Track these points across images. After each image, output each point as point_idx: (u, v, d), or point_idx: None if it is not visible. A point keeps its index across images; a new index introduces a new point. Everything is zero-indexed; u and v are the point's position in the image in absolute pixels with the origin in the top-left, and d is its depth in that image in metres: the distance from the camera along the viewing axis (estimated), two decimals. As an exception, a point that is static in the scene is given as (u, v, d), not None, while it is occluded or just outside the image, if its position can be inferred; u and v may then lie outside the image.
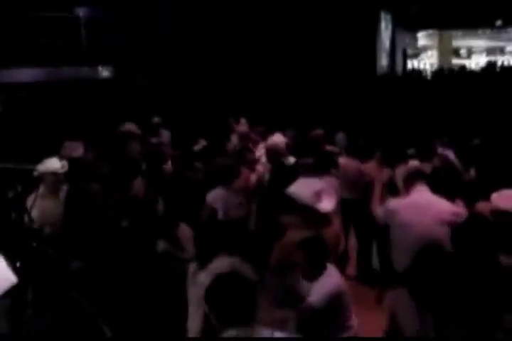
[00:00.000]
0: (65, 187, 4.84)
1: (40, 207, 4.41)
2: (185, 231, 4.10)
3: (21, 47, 10.27)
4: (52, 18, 11.05)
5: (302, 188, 3.72)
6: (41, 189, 4.66)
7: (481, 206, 3.93)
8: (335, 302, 3.03)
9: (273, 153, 5.64)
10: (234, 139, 7.39)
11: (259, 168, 5.69)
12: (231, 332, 2.18)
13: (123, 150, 6.41)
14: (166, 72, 12.24)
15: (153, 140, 7.26)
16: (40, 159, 4.80)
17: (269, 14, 12.93)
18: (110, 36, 11.71)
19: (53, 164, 4.71)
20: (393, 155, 5.51)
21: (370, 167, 5.58)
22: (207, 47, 12.83)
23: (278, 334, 2.25)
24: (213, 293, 2.28)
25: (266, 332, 2.23)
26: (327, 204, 3.64)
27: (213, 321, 2.27)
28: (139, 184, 5.16)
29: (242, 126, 7.86)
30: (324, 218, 3.65)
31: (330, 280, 3.08)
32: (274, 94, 11.61)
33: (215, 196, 4.82)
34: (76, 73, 11.20)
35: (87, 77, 11.46)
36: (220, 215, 4.76)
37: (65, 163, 4.80)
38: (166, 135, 7.80)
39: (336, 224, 3.98)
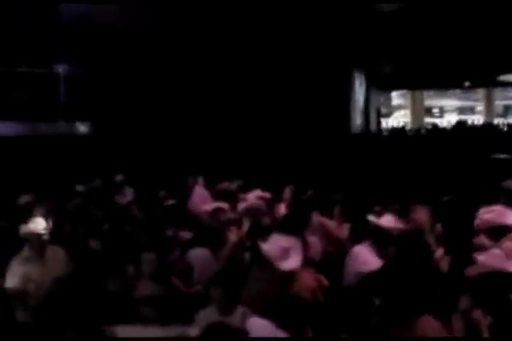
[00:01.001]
0: (51, 248, 4.64)
1: (23, 270, 4.33)
2: None
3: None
4: (30, 73, 11.24)
5: (269, 244, 3.73)
6: (25, 250, 4.52)
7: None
8: None
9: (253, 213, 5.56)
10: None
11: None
12: None
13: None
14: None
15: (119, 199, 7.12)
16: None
17: (244, 69, 13.19)
18: (89, 93, 11.87)
19: (38, 225, 4.56)
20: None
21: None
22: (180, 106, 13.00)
23: None
24: None
25: None
26: (291, 263, 3.63)
27: None
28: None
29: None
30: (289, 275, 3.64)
31: None
32: (245, 150, 11.73)
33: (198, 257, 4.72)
34: (53, 128, 11.26)
35: (64, 132, 11.51)
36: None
37: (50, 223, 4.72)
38: (130, 193, 7.64)
39: (309, 278, 3.92)
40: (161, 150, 11.59)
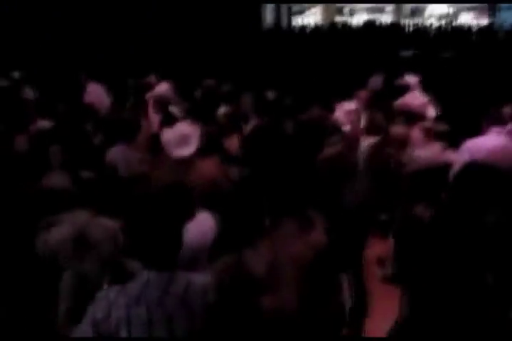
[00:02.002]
0: None
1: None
2: None
3: None
4: None
5: (170, 132, 3.72)
6: None
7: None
8: None
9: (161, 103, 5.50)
10: None
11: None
12: (150, 276, 2.15)
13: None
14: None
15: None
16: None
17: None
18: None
19: None
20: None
21: None
22: None
23: (196, 278, 2.25)
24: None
25: (185, 276, 2.22)
26: (186, 150, 3.68)
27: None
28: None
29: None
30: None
31: None
32: (159, 49, 11.33)
33: (115, 154, 4.59)
34: None
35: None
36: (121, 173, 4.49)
37: None
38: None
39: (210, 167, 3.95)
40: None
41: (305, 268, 2.44)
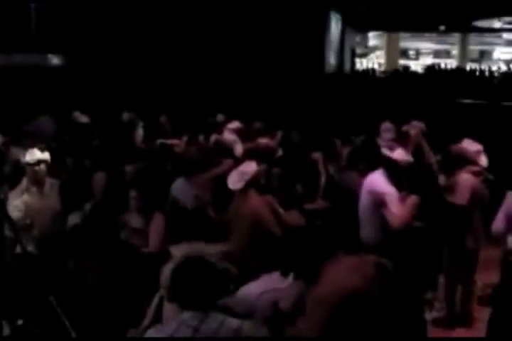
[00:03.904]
0: (49, 180, 4.65)
1: (24, 202, 4.38)
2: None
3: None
4: (2, 5, 11.05)
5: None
6: (24, 182, 4.53)
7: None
8: None
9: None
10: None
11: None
12: (185, 315, 2.37)
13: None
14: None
15: None
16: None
17: (219, 11, 13.12)
18: (61, 25, 11.75)
19: (34, 156, 4.49)
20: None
21: None
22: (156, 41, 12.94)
23: (231, 321, 2.39)
24: (177, 274, 2.47)
25: (220, 318, 2.38)
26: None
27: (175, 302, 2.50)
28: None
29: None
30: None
31: None
32: (223, 91, 11.86)
33: (175, 186, 5.14)
34: (27, 59, 11.23)
35: (37, 63, 11.48)
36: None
37: (47, 154, 4.60)
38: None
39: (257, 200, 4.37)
40: (131, 84, 11.67)
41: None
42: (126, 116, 7.90)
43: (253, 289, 2.92)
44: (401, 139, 5.57)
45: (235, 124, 6.76)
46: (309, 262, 2.75)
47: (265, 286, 2.91)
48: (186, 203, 4.98)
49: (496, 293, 4.30)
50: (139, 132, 7.10)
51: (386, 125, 6.16)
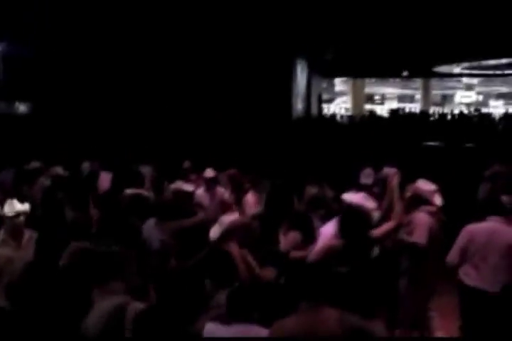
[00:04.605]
0: (27, 232, 4.53)
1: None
2: None
3: None
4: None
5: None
6: (1, 234, 4.41)
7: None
8: None
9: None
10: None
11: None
12: None
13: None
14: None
15: None
16: None
17: (184, 58, 13.32)
18: (29, 73, 11.76)
19: (13, 207, 4.42)
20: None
21: None
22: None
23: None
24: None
25: None
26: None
27: None
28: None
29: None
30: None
31: None
32: (191, 137, 11.93)
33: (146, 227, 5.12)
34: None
35: (4, 112, 11.42)
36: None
37: (27, 205, 4.54)
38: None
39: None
40: (100, 131, 11.68)
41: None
42: (85, 165, 7.91)
43: None
44: (379, 186, 5.64)
45: (210, 173, 6.85)
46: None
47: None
48: (152, 245, 4.95)
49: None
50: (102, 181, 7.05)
51: (367, 171, 6.22)
